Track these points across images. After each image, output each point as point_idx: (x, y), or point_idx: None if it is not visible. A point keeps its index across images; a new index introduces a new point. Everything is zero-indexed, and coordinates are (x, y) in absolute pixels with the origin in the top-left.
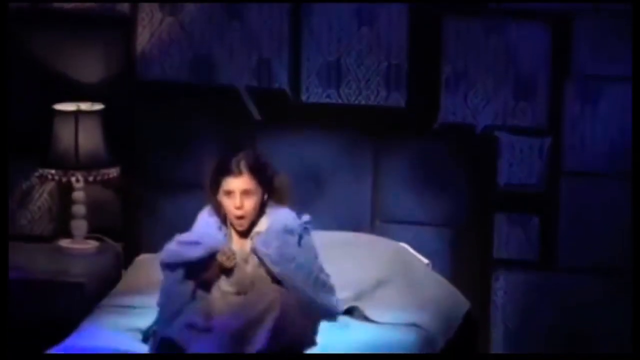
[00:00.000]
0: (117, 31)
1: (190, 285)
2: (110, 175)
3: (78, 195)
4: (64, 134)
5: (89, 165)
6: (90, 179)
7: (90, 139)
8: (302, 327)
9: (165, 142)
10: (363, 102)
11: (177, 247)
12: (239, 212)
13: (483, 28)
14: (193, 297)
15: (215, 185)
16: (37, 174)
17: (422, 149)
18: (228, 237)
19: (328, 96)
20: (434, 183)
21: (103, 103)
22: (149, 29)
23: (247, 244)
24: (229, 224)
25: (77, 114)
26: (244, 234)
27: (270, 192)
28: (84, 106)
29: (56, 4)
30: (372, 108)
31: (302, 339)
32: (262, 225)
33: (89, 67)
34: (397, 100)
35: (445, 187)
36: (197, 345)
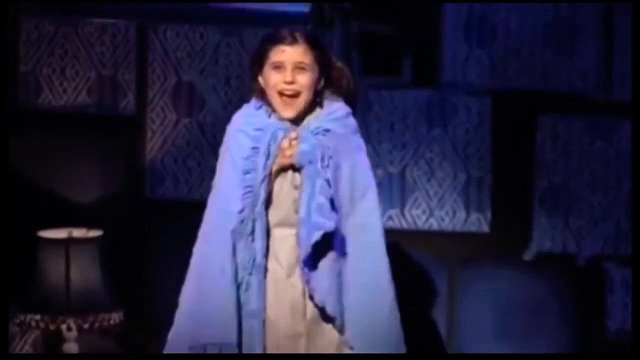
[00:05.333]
0: (121, 136)
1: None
2: (111, 322)
3: (70, 347)
4: (52, 269)
5: (83, 308)
6: (86, 326)
7: (85, 274)
8: None
9: (183, 277)
10: (435, 227)
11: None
12: (289, 88)
13: (589, 128)
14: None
15: (261, 60)
16: (17, 320)
17: (510, 285)
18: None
19: (390, 218)
20: (526, 329)
21: (101, 229)
22: (161, 133)
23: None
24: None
25: (69, 242)
26: (291, 121)
27: (327, 79)
28: (77, 233)
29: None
30: (446, 234)
31: None
32: (315, 116)
33: (84, 182)
34: (479, 223)
35: (540, 334)
36: None
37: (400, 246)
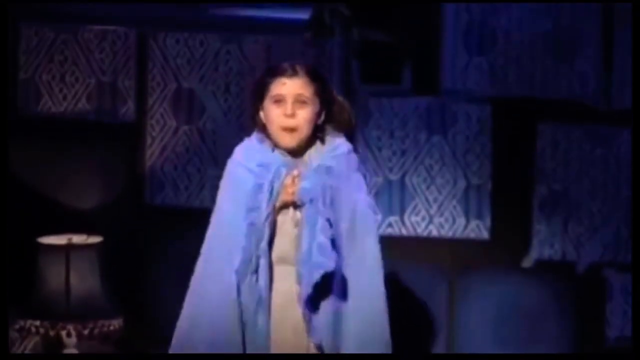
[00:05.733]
0: (120, 143)
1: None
2: (111, 328)
3: (70, 353)
4: (52, 275)
5: (83, 314)
6: (85, 332)
7: (84, 280)
8: None
9: (182, 284)
10: (434, 233)
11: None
12: (289, 123)
13: (588, 136)
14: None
15: (261, 93)
16: (16, 326)
17: (510, 292)
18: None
19: (390, 225)
20: (525, 335)
21: (101, 235)
22: (161, 139)
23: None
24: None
25: (69, 248)
26: (293, 154)
27: (328, 113)
28: (77, 239)
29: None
30: (445, 241)
31: None
32: (316, 151)
33: (84, 189)
34: (478, 229)
35: (540, 341)
36: None
37: (399, 253)
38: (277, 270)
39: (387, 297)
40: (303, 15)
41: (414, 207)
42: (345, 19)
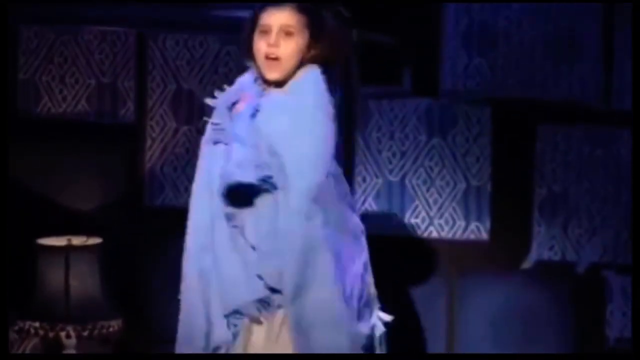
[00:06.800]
0: (120, 144)
1: None
2: (110, 329)
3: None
4: (52, 276)
5: (82, 316)
6: (85, 334)
7: (84, 282)
8: None
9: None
10: (434, 235)
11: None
12: (271, 51)
13: (588, 137)
14: None
15: (253, 26)
16: (16, 327)
17: (509, 293)
18: None
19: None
20: (525, 337)
21: (101, 237)
22: (160, 141)
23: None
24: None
25: (68, 250)
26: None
27: (318, 44)
28: (77, 240)
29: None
30: (445, 242)
31: None
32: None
33: (84, 190)
34: (478, 231)
35: (539, 342)
36: None
37: (399, 254)
38: None
39: (386, 300)
40: None
41: (414, 209)
42: (345, 21)
